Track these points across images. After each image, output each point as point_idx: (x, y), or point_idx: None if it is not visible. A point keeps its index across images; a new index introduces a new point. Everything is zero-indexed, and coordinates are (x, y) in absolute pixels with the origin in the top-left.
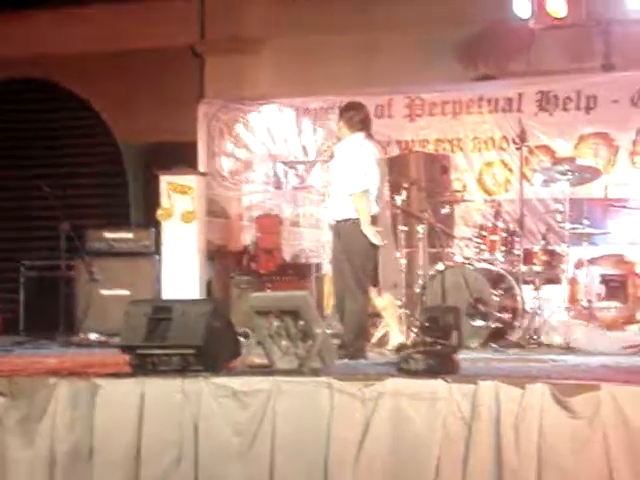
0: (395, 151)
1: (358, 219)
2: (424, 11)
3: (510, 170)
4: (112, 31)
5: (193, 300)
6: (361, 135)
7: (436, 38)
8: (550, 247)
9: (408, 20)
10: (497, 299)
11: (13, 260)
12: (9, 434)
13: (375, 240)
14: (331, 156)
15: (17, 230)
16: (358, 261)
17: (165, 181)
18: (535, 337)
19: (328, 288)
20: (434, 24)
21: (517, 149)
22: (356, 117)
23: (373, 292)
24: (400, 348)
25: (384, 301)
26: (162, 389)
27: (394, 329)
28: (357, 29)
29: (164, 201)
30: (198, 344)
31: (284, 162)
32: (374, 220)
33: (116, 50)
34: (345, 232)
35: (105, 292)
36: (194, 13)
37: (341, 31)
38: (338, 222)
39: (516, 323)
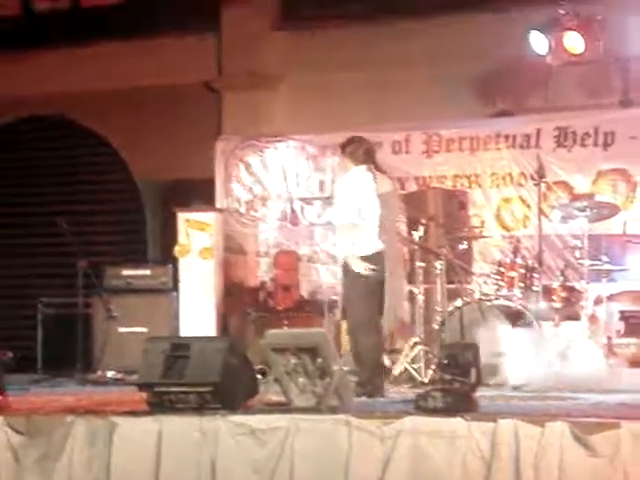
0: (413, 187)
1: (370, 255)
2: (441, 47)
3: (528, 206)
4: (127, 68)
5: (210, 337)
6: (363, 168)
7: (453, 74)
8: (569, 283)
9: (425, 56)
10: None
11: (31, 297)
12: (27, 473)
13: (357, 268)
14: (337, 190)
15: (35, 267)
16: (372, 298)
17: (183, 218)
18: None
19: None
20: (451, 60)
21: (535, 185)
22: (358, 150)
23: None
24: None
25: None
26: (180, 427)
27: None
28: (373, 65)
29: (182, 238)
30: (215, 382)
31: (301, 198)
32: (379, 256)
33: (132, 87)
34: (352, 268)
35: (123, 329)
36: (210, 49)
37: (358, 67)
38: (345, 258)
39: (535, 360)
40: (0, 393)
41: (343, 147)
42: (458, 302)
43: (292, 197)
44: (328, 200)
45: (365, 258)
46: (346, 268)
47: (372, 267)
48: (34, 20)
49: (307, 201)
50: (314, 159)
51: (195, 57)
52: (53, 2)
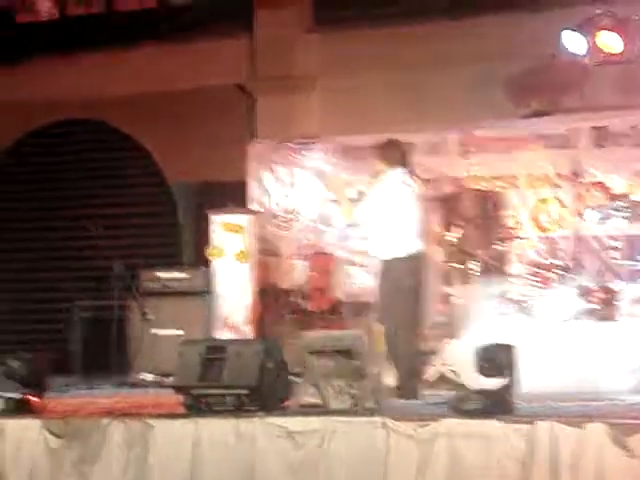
0: (448, 188)
1: (407, 257)
2: (476, 47)
3: (565, 207)
4: (161, 71)
5: (246, 340)
6: (400, 171)
7: (488, 74)
8: (606, 284)
9: (460, 56)
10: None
11: (67, 301)
12: (64, 475)
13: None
14: (373, 193)
15: (70, 271)
16: (408, 300)
17: (217, 220)
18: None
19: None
20: (486, 60)
21: (572, 186)
22: (395, 153)
23: None
24: None
25: None
26: (216, 429)
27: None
28: (407, 66)
29: (216, 240)
30: (252, 384)
31: (335, 200)
32: (419, 257)
33: (166, 90)
34: (394, 270)
35: (158, 332)
36: (244, 52)
37: (391, 69)
38: (386, 260)
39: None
40: (39, 396)
41: (380, 150)
42: (494, 303)
43: (326, 199)
44: (362, 202)
45: (405, 260)
46: (384, 270)
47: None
48: (70, 25)
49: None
50: (349, 161)
51: (229, 60)
52: (88, 7)
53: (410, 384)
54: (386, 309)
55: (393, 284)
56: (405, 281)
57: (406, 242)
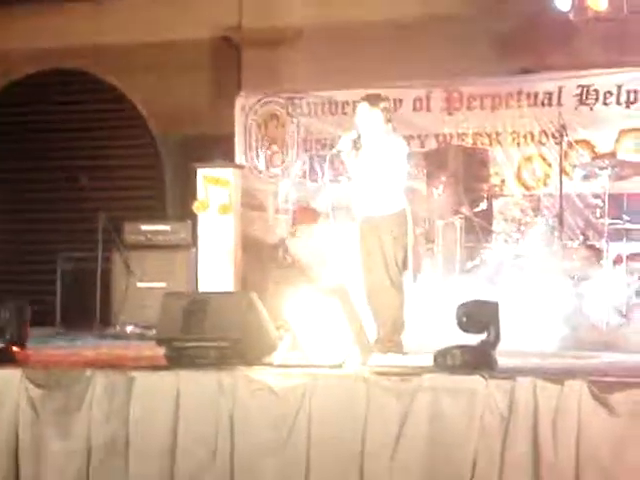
0: (433, 144)
1: (391, 214)
2: (462, 3)
3: (549, 165)
4: (147, 22)
5: (229, 293)
6: (390, 127)
7: (475, 31)
8: (589, 242)
9: (446, 12)
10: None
11: (50, 252)
12: (46, 425)
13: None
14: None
15: (54, 222)
16: (391, 254)
17: (202, 174)
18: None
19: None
20: (472, 17)
21: (556, 144)
22: (389, 108)
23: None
24: None
25: None
26: (198, 382)
27: None
28: (395, 22)
29: (201, 193)
30: (235, 337)
31: (320, 155)
32: (404, 214)
33: (151, 41)
34: (378, 226)
35: (141, 284)
36: (230, 3)
37: (379, 24)
38: (370, 217)
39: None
40: (20, 346)
41: (374, 101)
42: (477, 260)
43: (312, 153)
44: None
45: (389, 216)
46: (368, 225)
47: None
48: None
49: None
50: (334, 115)
51: (215, 11)
52: None
53: (394, 339)
54: (368, 265)
55: (378, 240)
56: (388, 236)
57: (390, 198)
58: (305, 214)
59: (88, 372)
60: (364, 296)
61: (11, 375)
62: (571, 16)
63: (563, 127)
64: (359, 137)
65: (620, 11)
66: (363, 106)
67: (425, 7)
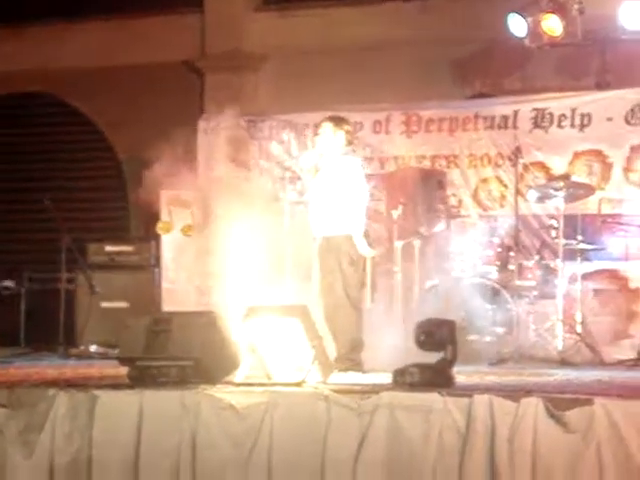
0: (392, 167)
1: (349, 234)
2: (420, 29)
3: (505, 186)
4: (111, 45)
5: (192, 312)
6: (351, 149)
7: (433, 56)
8: (544, 262)
9: (405, 38)
10: (491, 313)
11: (14, 272)
12: (9, 444)
13: (369, 252)
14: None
15: (18, 242)
16: (350, 275)
17: (165, 195)
18: (529, 351)
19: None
20: (430, 42)
21: (512, 166)
22: (351, 131)
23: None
24: None
25: None
26: (160, 401)
27: None
28: (354, 46)
29: (164, 215)
30: (197, 356)
31: (282, 178)
32: (366, 234)
33: (115, 64)
34: (337, 247)
35: (105, 304)
36: (193, 29)
37: (338, 48)
38: (329, 237)
39: (510, 337)
40: None
41: (337, 123)
42: (435, 280)
43: (274, 175)
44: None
45: (347, 237)
46: (327, 246)
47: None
48: None
49: (289, 179)
50: (296, 138)
51: (178, 36)
52: None
53: (353, 357)
54: (327, 285)
55: (336, 260)
56: (346, 256)
57: (349, 219)
58: None
59: (51, 391)
60: (323, 315)
61: None
62: (527, 42)
63: (518, 149)
64: (320, 156)
65: (574, 36)
66: (327, 126)
67: (384, 33)
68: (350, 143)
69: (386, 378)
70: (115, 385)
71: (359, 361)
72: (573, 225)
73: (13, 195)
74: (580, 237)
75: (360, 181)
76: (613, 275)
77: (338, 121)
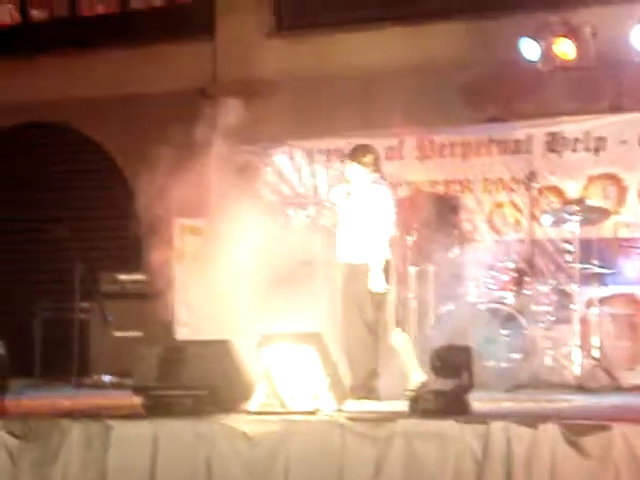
0: (405, 192)
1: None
2: (432, 53)
3: (520, 211)
4: (124, 75)
5: (206, 341)
6: (378, 176)
7: (446, 81)
8: (560, 287)
9: (417, 63)
10: (507, 339)
11: (28, 302)
12: (23, 476)
13: (379, 287)
14: (348, 196)
15: (32, 273)
16: (369, 305)
17: (178, 223)
18: (546, 377)
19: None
20: (443, 67)
21: (526, 190)
22: (377, 159)
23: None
24: (423, 386)
25: (401, 341)
26: (175, 430)
27: (414, 368)
28: (366, 72)
29: (177, 243)
30: (211, 385)
31: (295, 203)
32: (388, 265)
33: (127, 93)
34: (361, 274)
35: (118, 333)
36: (206, 56)
37: (351, 74)
38: (352, 265)
39: (526, 363)
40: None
41: (362, 153)
42: (450, 306)
43: (287, 202)
44: (323, 205)
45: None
46: (350, 274)
47: (388, 287)
48: (33, 28)
49: (302, 206)
50: (309, 164)
51: (190, 64)
52: (51, 10)
53: (369, 385)
54: (346, 312)
55: (356, 289)
56: (368, 284)
57: (374, 247)
58: None
59: (65, 422)
60: (340, 341)
61: None
62: (540, 65)
63: (533, 174)
64: (349, 184)
65: (588, 60)
66: (355, 155)
67: (397, 59)
68: (376, 170)
69: (401, 405)
70: (129, 415)
71: (375, 388)
72: (589, 249)
73: (27, 225)
74: (596, 261)
75: (389, 211)
76: (630, 299)
77: (362, 151)
